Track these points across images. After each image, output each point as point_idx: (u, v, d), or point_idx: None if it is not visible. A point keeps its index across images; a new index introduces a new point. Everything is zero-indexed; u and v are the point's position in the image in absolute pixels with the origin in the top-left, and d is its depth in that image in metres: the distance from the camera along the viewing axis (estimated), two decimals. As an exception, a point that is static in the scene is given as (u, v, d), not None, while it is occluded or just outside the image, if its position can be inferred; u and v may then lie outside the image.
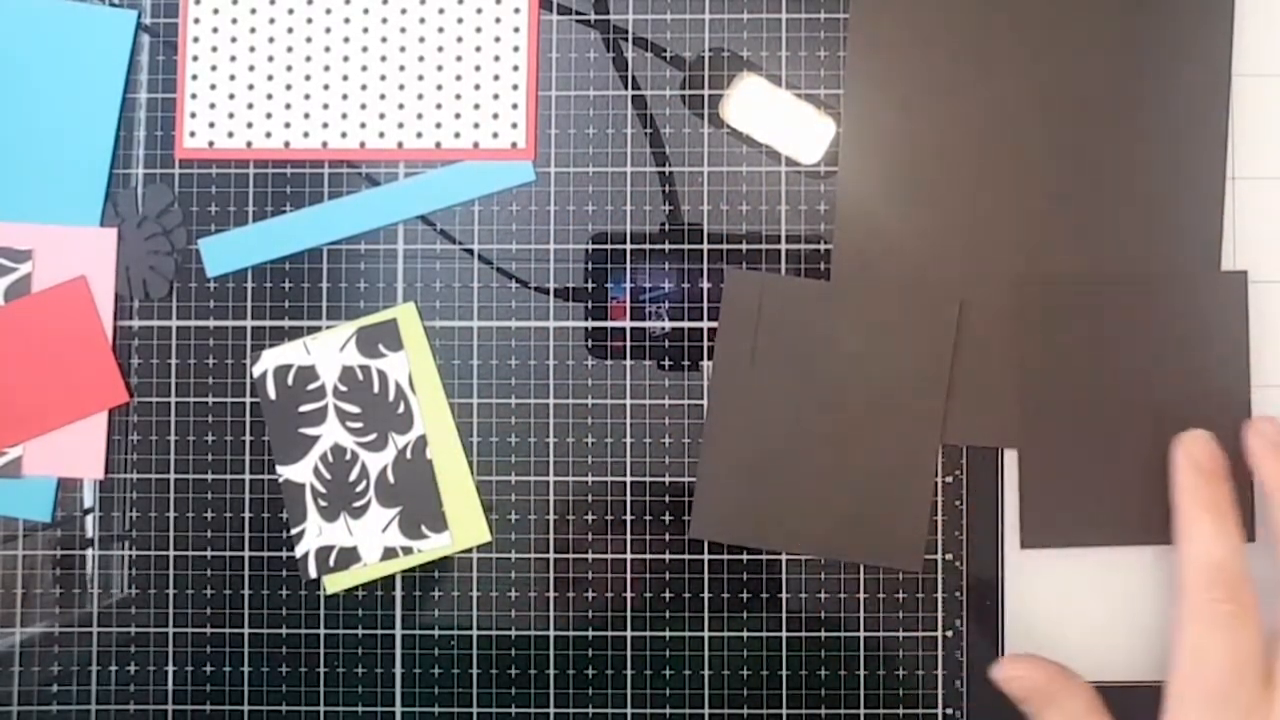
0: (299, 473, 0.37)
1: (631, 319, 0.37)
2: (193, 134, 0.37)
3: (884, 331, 0.35)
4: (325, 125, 0.37)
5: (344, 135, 0.37)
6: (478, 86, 0.37)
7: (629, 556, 0.36)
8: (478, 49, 0.37)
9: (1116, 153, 0.35)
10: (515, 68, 0.37)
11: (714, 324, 0.36)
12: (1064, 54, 0.36)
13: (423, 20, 0.37)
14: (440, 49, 0.37)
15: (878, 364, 0.35)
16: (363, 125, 0.37)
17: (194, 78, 0.38)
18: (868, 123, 0.36)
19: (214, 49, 0.38)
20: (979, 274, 0.35)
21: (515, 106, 0.37)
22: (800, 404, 0.35)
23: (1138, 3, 0.36)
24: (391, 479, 0.37)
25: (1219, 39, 0.35)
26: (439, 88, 0.37)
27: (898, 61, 0.36)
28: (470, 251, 0.37)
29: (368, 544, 0.37)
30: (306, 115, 0.37)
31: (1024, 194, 0.36)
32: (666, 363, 0.37)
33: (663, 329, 0.37)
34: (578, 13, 0.37)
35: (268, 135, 0.37)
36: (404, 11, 0.37)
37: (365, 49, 0.37)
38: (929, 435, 0.35)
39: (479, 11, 0.37)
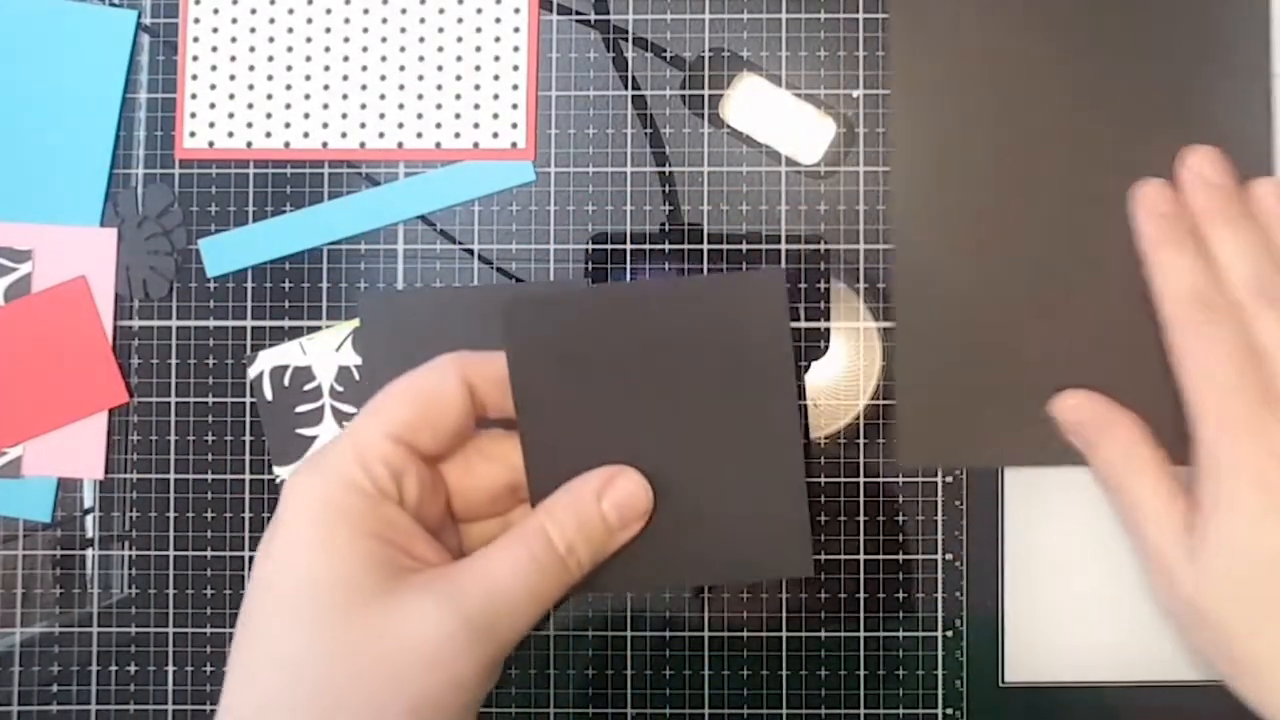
0: (299, 473, 0.37)
1: (631, 319, 0.37)
2: (193, 134, 0.38)
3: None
4: (325, 125, 0.37)
5: (344, 135, 0.37)
6: (478, 86, 0.37)
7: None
8: (478, 49, 0.37)
9: (1162, 162, 0.35)
10: (515, 68, 0.37)
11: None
12: (1100, 65, 0.35)
13: (423, 20, 0.37)
14: (440, 49, 0.37)
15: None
16: (363, 125, 0.37)
17: (194, 78, 0.38)
18: (920, 142, 0.36)
19: (214, 49, 0.38)
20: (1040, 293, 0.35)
21: (515, 106, 0.37)
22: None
23: (1171, 11, 0.35)
24: (391, 479, 0.37)
25: (1257, 43, 0.35)
26: (439, 88, 0.37)
27: (944, 79, 0.35)
28: (470, 251, 0.37)
29: (368, 544, 0.37)
30: (306, 115, 0.37)
31: (1070, 203, 0.35)
32: (666, 363, 0.37)
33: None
34: (578, 13, 0.37)
35: (268, 135, 0.37)
36: (404, 11, 0.37)
37: (365, 49, 0.37)
38: None
39: (479, 11, 0.37)
